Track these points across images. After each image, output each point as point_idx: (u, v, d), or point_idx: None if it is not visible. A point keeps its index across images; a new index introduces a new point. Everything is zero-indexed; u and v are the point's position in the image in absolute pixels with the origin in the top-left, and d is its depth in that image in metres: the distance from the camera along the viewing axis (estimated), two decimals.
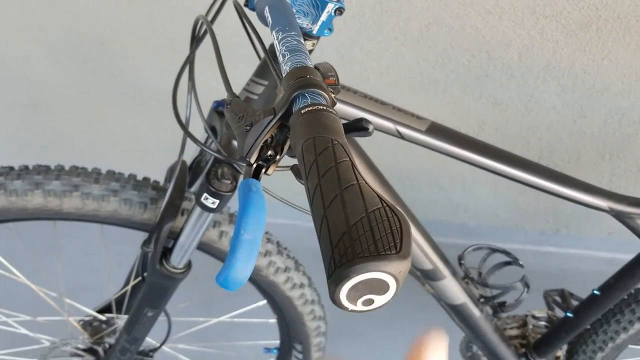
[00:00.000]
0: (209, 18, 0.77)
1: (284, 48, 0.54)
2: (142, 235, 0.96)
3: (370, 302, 0.38)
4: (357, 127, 0.50)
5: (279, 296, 1.11)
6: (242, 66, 0.93)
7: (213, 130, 0.88)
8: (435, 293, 1.09)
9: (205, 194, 0.83)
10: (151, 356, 1.22)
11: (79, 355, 1.17)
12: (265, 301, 1.20)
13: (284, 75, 0.52)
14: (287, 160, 0.55)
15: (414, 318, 1.76)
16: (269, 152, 0.51)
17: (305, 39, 0.70)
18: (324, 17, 0.68)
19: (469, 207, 1.90)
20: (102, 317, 1.15)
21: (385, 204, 0.38)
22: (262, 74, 0.80)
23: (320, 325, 1.21)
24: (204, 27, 0.82)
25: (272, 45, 0.72)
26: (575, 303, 1.18)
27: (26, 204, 0.90)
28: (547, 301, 1.22)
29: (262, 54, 0.84)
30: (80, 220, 0.95)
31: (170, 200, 0.91)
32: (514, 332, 1.24)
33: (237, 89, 0.66)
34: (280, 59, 0.54)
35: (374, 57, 1.50)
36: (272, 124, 0.49)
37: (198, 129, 0.88)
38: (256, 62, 0.83)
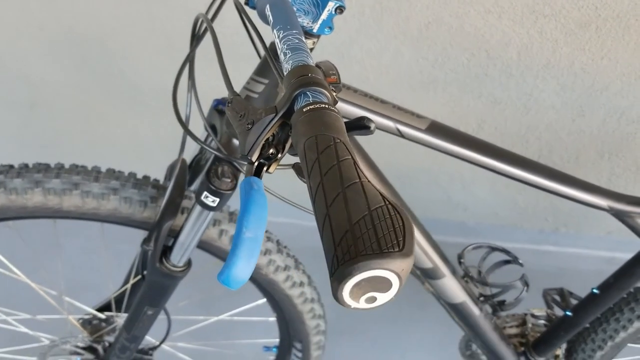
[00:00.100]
0: (209, 16, 0.77)
1: (285, 46, 0.54)
2: (142, 234, 0.96)
3: (373, 299, 0.38)
4: (358, 125, 0.50)
5: (279, 294, 1.11)
6: (243, 65, 0.93)
7: (213, 128, 0.88)
8: (434, 292, 1.09)
9: (205, 193, 0.83)
10: (151, 354, 1.22)
11: (78, 354, 1.17)
12: (264, 300, 1.20)
13: (285, 73, 0.52)
14: (287, 159, 0.55)
15: (414, 317, 1.76)
16: (271, 151, 0.51)
17: (305, 38, 0.70)
18: (324, 15, 0.68)
19: (468, 206, 1.90)
20: (102, 316, 1.15)
21: (387, 202, 0.38)
22: (262, 73, 0.80)
23: (320, 324, 1.21)
24: (204, 25, 0.82)
25: (272, 44, 0.72)
26: (574, 302, 1.19)
27: (26, 202, 0.90)
28: (546, 300, 1.22)
29: (262, 53, 0.84)
30: (80, 219, 0.95)
31: (170, 199, 0.91)
32: (513, 330, 1.24)
33: (237, 88, 0.66)
34: (282, 57, 0.54)
35: (374, 56, 1.50)
36: (273, 122, 0.50)
37: (198, 128, 0.88)
38: (256, 61, 0.83)
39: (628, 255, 1.07)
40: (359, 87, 0.88)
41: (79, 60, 1.66)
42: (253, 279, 1.09)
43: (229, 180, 0.82)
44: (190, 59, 0.80)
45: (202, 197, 0.83)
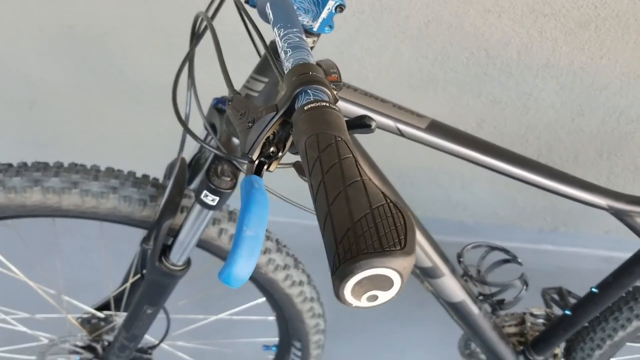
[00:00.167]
0: (209, 14, 0.77)
1: (285, 45, 0.54)
2: (141, 233, 0.96)
3: (374, 298, 0.38)
4: (359, 123, 0.50)
5: (278, 294, 1.11)
6: (242, 64, 0.93)
7: (213, 127, 0.88)
8: (434, 291, 1.09)
9: (205, 191, 0.83)
10: (150, 353, 1.22)
11: (77, 353, 1.17)
12: (264, 299, 1.20)
13: (285, 72, 0.52)
14: (287, 158, 0.55)
15: (413, 316, 1.76)
16: (271, 149, 0.51)
17: (305, 36, 0.70)
18: (324, 14, 0.68)
19: (467, 205, 1.91)
20: (101, 315, 1.15)
21: (389, 201, 0.38)
22: (262, 71, 0.80)
23: (320, 323, 1.21)
24: (204, 24, 0.82)
25: (272, 42, 0.72)
26: (573, 301, 1.19)
27: (25, 200, 0.90)
28: (545, 299, 1.23)
29: (262, 51, 0.84)
30: (79, 218, 0.95)
31: (169, 198, 0.90)
32: (512, 329, 1.24)
33: (237, 87, 0.66)
34: (282, 55, 0.54)
35: (373, 55, 1.50)
36: (274, 120, 0.49)
37: (198, 127, 0.88)
38: (255, 60, 0.83)
39: (626, 255, 1.07)
40: (359, 86, 0.88)
41: (79, 60, 1.66)
42: (252, 278, 1.09)
43: (229, 179, 0.82)
44: (190, 58, 0.80)
45: (202, 196, 0.83)
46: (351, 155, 0.41)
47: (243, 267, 0.45)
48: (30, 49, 1.64)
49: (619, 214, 0.97)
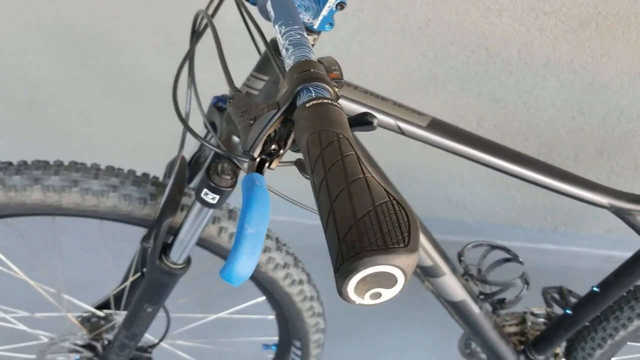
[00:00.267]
0: (210, 12, 0.77)
1: (287, 42, 0.54)
2: (141, 231, 0.95)
3: (377, 295, 0.38)
4: (361, 121, 0.50)
5: (278, 292, 1.10)
6: (241, 63, 0.93)
7: (213, 125, 0.88)
8: (434, 290, 1.09)
9: (205, 190, 0.82)
10: (150, 352, 1.21)
11: (77, 352, 1.17)
12: (264, 297, 1.20)
13: (287, 69, 0.52)
14: (288, 156, 0.55)
15: (413, 316, 1.76)
16: (273, 147, 0.51)
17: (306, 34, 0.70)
18: (325, 11, 0.68)
19: (467, 205, 1.90)
20: (101, 313, 1.15)
21: (392, 198, 0.38)
22: (262, 69, 0.80)
23: (319, 322, 1.20)
24: (204, 22, 0.82)
25: (273, 40, 0.72)
26: (573, 300, 1.18)
27: (25, 199, 0.90)
28: (546, 298, 1.22)
29: (262, 49, 0.84)
30: (80, 216, 0.95)
31: (169, 196, 0.90)
32: (513, 329, 1.24)
33: (236, 85, 0.65)
34: (284, 52, 0.54)
35: (373, 54, 1.49)
36: (276, 117, 0.49)
37: (197, 125, 0.88)
38: (255, 59, 0.83)
39: (627, 254, 1.07)
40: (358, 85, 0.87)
41: (79, 59, 1.66)
42: (252, 276, 1.09)
43: (229, 177, 0.82)
44: (190, 56, 0.80)
45: (202, 195, 0.83)
46: (354, 153, 0.41)
47: (245, 264, 0.45)
48: (30, 48, 1.64)
49: (620, 213, 0.97)
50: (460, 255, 1.12)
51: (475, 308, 1.11)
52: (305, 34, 0.56)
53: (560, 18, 1.34)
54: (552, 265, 1.92)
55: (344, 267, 0.35)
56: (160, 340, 1.21)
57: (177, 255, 0.94)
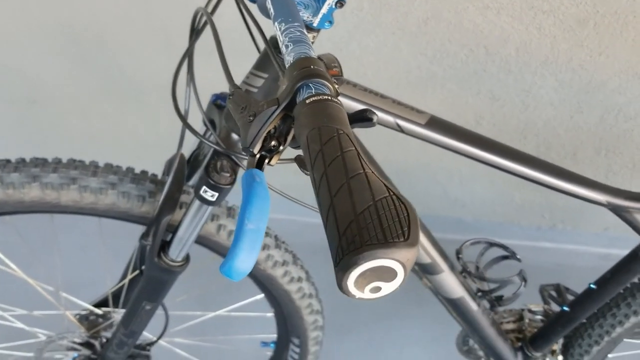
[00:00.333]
0: (209, 10, 0.77)
1: (287, 39, 0.54)
2: (140, 229, 0.95)
3: (377, 289, 0.38)
4: (361, 117, 0.50)
5: (277, 290, 1.11)
6: (240, 61, 0.93)
7: (212, 123, 0.88)
8: (433, 287, 1.09)
9: (204, 187, 0.83)
10: (148, 350, 1.22)
11: (75, 349, 1.17)
12: (262, 295, 1.20)
13: (286, 66, 0.52)
14: (287, 154, 0.55)
15: (411, 313, 1.77)
16: (272, 143, 0.51)
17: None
18: (324, 9, 0.68)
19: (465, 202, 1.91)
20: (99, 311, 1.15)
21: (392, 193, 0.38)
22: (262, 67, 0.80)
23: (318, 319, 1.21)
24: (203, 19, 0.82)
25: (272, 37, 0.72)
26: (570, 298, 1.19)
27: (23, 196, 0.90)
28: (543, 296, 1.23)
29: (261, 47, 0.84)
30: (78, 214, 0.95)
31: (168, 193, 0.90)
32: (511, 326, 1.24)
33: (235, 82, 0.65)
34: (283, 49, 0.54)
35: (372, 52, 1.49)
36: (275, 114, 0.49)
37: (197, 123, 0.88)
38: (254, 57, 0.83)
39: (624, 252, 1.07)
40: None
41: (78, 58, 1.65)
42: (251, 274, 1.09)
43: (228, 174, 0.82)
44: (189, 53, 0.80)
45: (201, 192, 0.83)
46: (354, 148, 0.41)
47: (244, 260, 0.45)
48: (30, 47, 1.64)
49: (617, 210, 0.97)
50: (458, 252, 1.12)
51: (473, 305, 1.11)
52: (305, 30, 0.56)
53: (558, 17, 1.35)
54: (550, 263, 1.92)
55: (344, 261, 0.36)
56: (159, 338, 1.21)
57: (175, 252, 0.94)
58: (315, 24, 0.69)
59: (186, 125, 0.74)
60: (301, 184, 1.44)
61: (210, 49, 0.87)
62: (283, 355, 1.31)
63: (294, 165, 0.51)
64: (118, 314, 1.14)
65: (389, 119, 0.86)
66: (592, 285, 1.11)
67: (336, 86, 0.50)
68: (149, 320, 1.06)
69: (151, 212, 0.93)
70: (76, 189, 0.90)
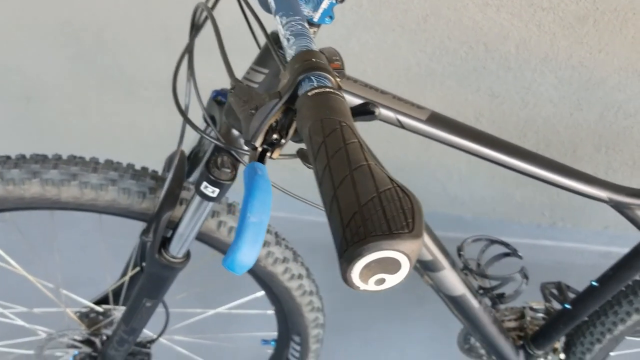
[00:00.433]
0: (209, 5, 0.77)
1: (288, 32, 0.54)
2: (140, 226, 0.95)
3: (382, 281, 0.38)
4: (363, 110, 0.50)
5: (278, 287, 1.10)
6: (239, 59, 0.93)
7: (212, 119, 0.88)
8: (434, 284, 1.09)
9: (205, 183, 0.82)
10: (148, 347, 1.21)
11: (75, 347, 1.16)
12: (263, 292, 1.19)
13: (288, 59, 0.52)
14: (288, 149, 0.55)
15: (412, 313, 1.76)
16: (274, 136, 0.51)
17: None
18: (325, 4, 0.68)
19: (465, 200, 1.91)
20: (99, 309, 1.14)
21: (395, 185, 0.38)
22: (262, 62, 0.80)
23: (319, 317, 1.20)
24: (203, 15, 0.82)
25: (272, 32, 0.72)
26: (571, 296, 1.19)
27: (23, 193, 0.89)
28: (544, 294, 1.23)
29: (261, 43, 0.83)
30: (78, 210, 0.94)
31: (169, 190, 0.90)
32: (512, 324, 1.24)
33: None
34: (285, 43, 0.54)
35: (371, 49, 1.49)
36: (277, 106, 0.49)
37: (197, 120, 0.88)
38: (253, 54, 0.82)
39: (624, 250, 1.07)
40: None
41: (76, 54, 1.65)
42: (251, 271, 1.09)
43: (229, 170, 0.82)
44: (189, 49, 0.80)
45: (202, 188, 0.83)
46: (356, 140, 0.41)
47: (247, 253, 0.45)
48: (29, 45, 1.64)
49: (619, 207, 0.97)
50: (459, 249, 1.12)
51: (474, 302, 1.11)
52: (306, 24, 0.56)
53: (558, 14, 1.34)
54: (550, 261, 1.92)
55: (348, 252, 0.36)
56: (159, 335, 1.20)
57: (176, 249, 0.94)
58: (315, 19, 0.69)
59: (187, 120, 0.74)
60: (298, 182, 1.44)
61: (208, 47, 0.87)
62: (284, 353, 1.31)
63: (291, 163, 0.51)
64: (118, 312, 1.14)
65: (390, 114, 0.86)
66: (593, 283, 1.11)
67: (338, 79, 0.50)
68: (149, 317, 1.06)
69: (152, 208, 0.93)
70: (77, 185, 0.90)
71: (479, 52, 1.45)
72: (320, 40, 1.55)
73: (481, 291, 1.12)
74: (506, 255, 1.14)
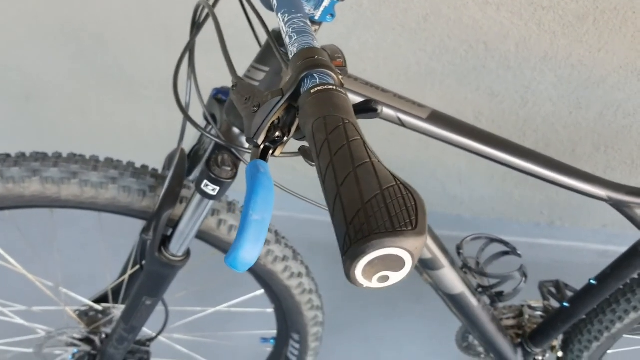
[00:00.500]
0: (211, 2, 0.77)
1: (290, 30, 0.54)
2: (140, 224, 0.95)
3: (385, 278, 0.38)
4: (366, 108, 0.50)
5: (277, 285, 1.11)
6: (240, 57, 0.93)
7: (213, 117, 0.88)
8: (433, 282, 1.09)
9: (205, 181, 0.82)
10: (148, 346, 1.21)
11: (75, 345, 1.16)
12: (262, 290, 1.19)
13: (290, 57, 0.52)
14: (289, 148, 0.55)
15: (410, 310, 1.77)
16: (277, 134, 0.51)
17: None
18: (326, 2, 0.68)
19: (464, 200, 1.91)
20: (99, 307, 1.14)
21: (399, 182, 0.38)
22: (263, 60, 0.80)
23: (318, 315, 1.20)
24: (204, 13, 0.82)
25: (273, 30, 0.72)
26: (569, 294, 1.19)
27: (23, 191, 0.89)
28: (542, 292, 1.23)
29: (262, 41, 0.84)
30: (78, 208, 0.94)
31: (169, 188, 0.90)
32: (511, 322, 1.25)
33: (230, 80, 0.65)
34: (287, 40, 0.54)
35: (371, 48, 1.49)
36: (280, 104, 0.49)
37: (197, 118, 0.88)
38: (253, 53, 0.82)
39: (622, 248, 1.07)
40: None
41: (76, 52, 1.65)
42: (251, 269, 1.09)
43: (229, 168, 0.82)
44: (190, 47, 0.80)
45: (202, 186, 0.83)
46: (359, 138, 0.41)
47: (249, 250, 0.45)
48: (27, 42, 1.63)
49: (618, 205, 0.97)
50: (459, 248, 1.12)
51: (473, 301, 1.11)
52: (308, 21, 0.56)
53: (558, 12, 1.35)
54: (548, 259, 1.92)
55: (352, 249, 0.36)
56: (159, 333, 1.20)
57: (176, 247, 0.94)
58: (317, 17, 0.69)
59: (187, 118, 0.74)
60: (298, 181, 1.44)
61: (208, 45, 0.87)
62: (283, 351, 1.31)
63: (290, 162, 0.51)
64: (118, 310, 1.14)
65: (391, 112, 0.86)
66: (592, 281, 1.11)
67: (340, 77, 0.50)
68: (149, 316, 1.06)
69: (152, 206, 0.93)
70: (77, 184, 0.90)
71: (479, 51, 1.45)
72: (320, 39, 1.55)
73: (480, 289, 1.12)
74: (505, 253, 1.14)
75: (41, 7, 1.55)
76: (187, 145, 0.97)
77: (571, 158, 1.69)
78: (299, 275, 1.11)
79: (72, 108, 1.82)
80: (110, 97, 1.76)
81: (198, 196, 0.87)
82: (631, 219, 0.99)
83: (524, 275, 1.09)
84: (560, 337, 1.25)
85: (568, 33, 1.38)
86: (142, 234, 0.92)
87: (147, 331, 1.21)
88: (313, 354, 1.29)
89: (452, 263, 1.06)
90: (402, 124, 0.86)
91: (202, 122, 0.93)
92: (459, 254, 1.12)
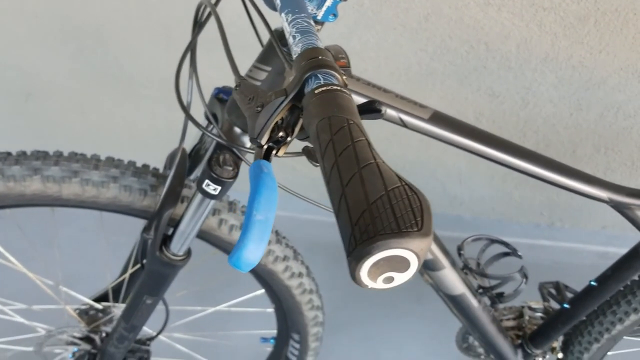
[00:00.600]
0: (213, 2, 0.77)
1: (294, 29, 0.54)
2: (141, 223, 0.95)
3: (390, 279, 0.38)
4: (369, 108, 0.50)
5: (278, 285, 1.10)
6: (240, 56, 0.93)
7: (214, 117, 0.88)
8: (434, 283, 1.09)
9: (206, 181, 0.82)
10: (148, 345, 1.21)
11: (75, 344, 1.16)
12: (263, 290, 1.19)
13: (294, 57, 0.52)
14: (292, 148, 0.55)
15: (410, 311, 1.77)
16: (280, 134, 0.51)
17: None
18: (329, 2, 0.68)
19: (464, 200, 1.91)
20: (99, 306, 1.14)
21: (404, 183, 0.38)
22: (265, 60, 0.79)
23: (318, 315, 1.20)
24: (206, 12, 0.82)
25: (276, 30, 0.72)
26: (569, 295, 1.19)
27: (24, 189, 0.89)
28: (542, 293, 1.23)
29: (264, 40, 0.83)
30: (79, 207, 0.94)
31: (170, 187, 0.90)
32: (511, 323, 1.25)
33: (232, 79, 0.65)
34: (291, 40, 0.54)
35: (372, 48, 1.49)
36: (284, 104, 0.49)
37: (198, 117, 0.88)
38: (254, 52, 0.82)
39: (622, 250, 1.07)
40: None
41: (75, 51, 1.65)
42: (252, 269, 1.08)
43: (231, 168, 0.82)
44: (192, 47, 0.80)
45: (204, 185, 0.83)
46: (364, 138, 0.41)
47: (253, 251, 0.45)
48: (27, 41, 1.63)
49: (619, 207, 0.97)
50: (459, 248, 1.12)
51: (474, 302, 1.11)
52: (312, 21, 0.56)
53: (559, 14, 1.35)
54: (548, 260, 1.92)
55: (357, 250, 0.36)
56: (159, 332, 1.20)
57: (177, 246, 0.94)
58: (319, 17, 0.69)
59: (189, 117, 0.74)
60: (298, 181, 1.43)
61: (209, 45, 0.87)
62: (283, 351, 1.31)
63: (292, 163, 0.51)
64: (118, 309, 1.14)
65: (393, 113, 0.86)
66: (592, 283, 1.11)
67: (344, 77, 0.50)
68: (149, 315, 1.06)
69: (153, 205, 0.93)
70: (78, 182, 0.90)
71: (480, 51, 1.45)
72: (322, 39, 1.55)
73: (480, 290, 1.12)
74: (506, 254, 1.14)
75: (41, 6, 1.55)
76: (189, 145, 0.97)
77: (571, 159, 1.69)
78: (300, 275, 1.11)
79: (72, 107, 1.82)
80: (110, 96, 1.76)
81: (199, 196, 0.86)
82: (632, 220, 0.99)
83: (525, 276, 1.09)
84: (561, 338, 1.25)
85: (569, 34, 1.38)
86: (143, 233, 0.91)
87: (147, 330, 1.21)
88: (313, 354, 1.29)
89: (453, 264, 1.06)
90: (404, 124, 0.86)
91: (203, 122, 0.92)
92: (459, 254, 1.12)
